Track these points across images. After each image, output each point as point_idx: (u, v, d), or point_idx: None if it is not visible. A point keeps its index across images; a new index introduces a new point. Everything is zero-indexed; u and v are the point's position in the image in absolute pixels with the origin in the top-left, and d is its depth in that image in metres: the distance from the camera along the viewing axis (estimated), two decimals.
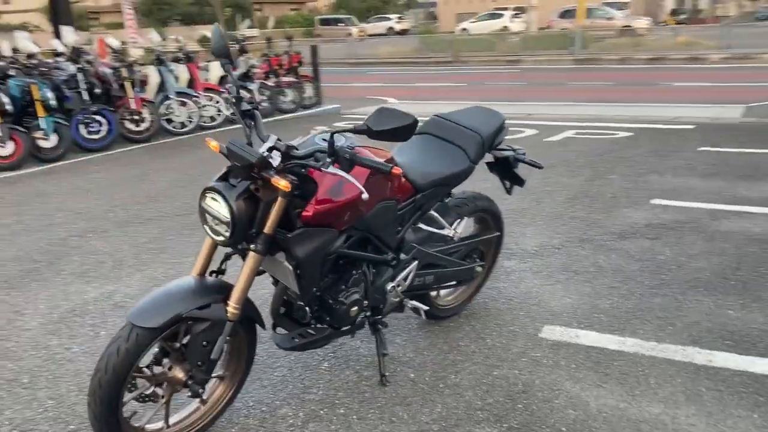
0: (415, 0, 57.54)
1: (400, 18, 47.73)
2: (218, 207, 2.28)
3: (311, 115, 11.57)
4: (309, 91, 12.23)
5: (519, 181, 3.40)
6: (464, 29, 35.71)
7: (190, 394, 2.42)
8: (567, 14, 29.35)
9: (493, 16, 37.00)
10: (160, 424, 2.50)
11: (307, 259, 2.42)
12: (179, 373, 2.41)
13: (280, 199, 2.32)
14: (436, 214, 3.07)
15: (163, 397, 2.44)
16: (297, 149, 2.36)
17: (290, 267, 2.44)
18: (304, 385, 2.96)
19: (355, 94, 14.01)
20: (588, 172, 6.60)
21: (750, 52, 18.79)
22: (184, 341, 2.38)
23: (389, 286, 2.86)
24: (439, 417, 2.68)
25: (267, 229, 2.33)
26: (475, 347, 3.22)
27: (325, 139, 2.42)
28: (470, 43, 24.85)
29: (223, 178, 2.35)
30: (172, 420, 2.52)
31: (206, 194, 2.32)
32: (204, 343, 2.35)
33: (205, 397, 2.56)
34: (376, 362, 3.04)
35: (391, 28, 45.64)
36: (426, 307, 3.19)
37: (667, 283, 3.86)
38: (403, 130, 2.13)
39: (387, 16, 48.48)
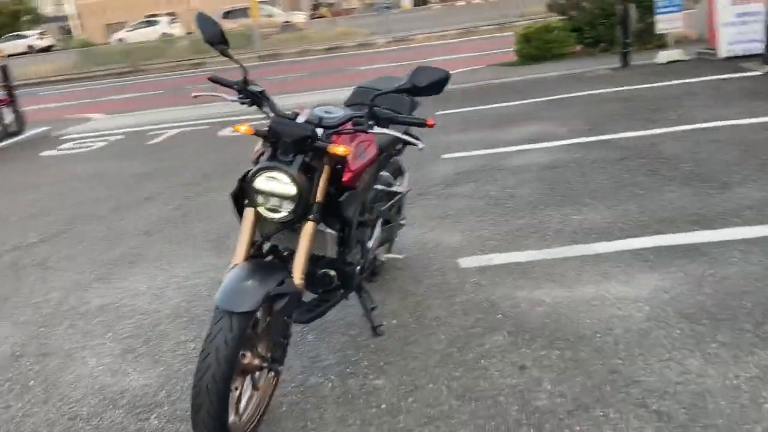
0: (42, 15, 53.08)
1: (41, 34, 43.47)
2: (280, 184, 2.34)
3: (19, 142, 10.39)
4: (8, 116, 10.92)
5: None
6: (121, 39, 34.18)
7: (273, 374, 2.45)
8: (230, 15, 29.90)
9: (150, 23, 36.04)
10: (232, 417, 2.47)
11: (354, 220, 2.61)
12: (255, 359, 2.42)
13: (326, 167, 2.47)
14: (386, 173, 3.38)
15: (236, 388, 2.42)
16: (328, 119, 2.52)
17: (332, 232, 2.60)
18: (310, 356, 3.07)
19: (52, 116, 12.81)
20: None
21: (406, 35, 21.50)
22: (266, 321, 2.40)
23: (369, 244, 3.13)
24: (448, 342, 3.05)
25: (320, 198, 2.47)
26: (423, 288, 3.62)
27: (327, 111, 2.61)
28: (146, 51, 23.99)
29: (271, 156, 2.41)
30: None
31: (261, 174, 2.36)
32: (285, 317, 2.40)
33: (259, 384, 2.58)
34: (352, 323, 3.28)
35: (31, 46, 41.33)
36: (402, 256, 3.49)
37: (515, 208, 4.68)
38: (441, 83, 2.44)
39: (23, 33, 43.73)
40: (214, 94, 2.75)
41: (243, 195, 2.60)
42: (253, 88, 2.59)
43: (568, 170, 5.40)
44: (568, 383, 2.64)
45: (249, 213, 2.51)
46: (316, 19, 36.05)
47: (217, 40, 2.56)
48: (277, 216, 2.42)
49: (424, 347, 3.03)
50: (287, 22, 29.97)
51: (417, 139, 2.60)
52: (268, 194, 2.39)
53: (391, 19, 23.25)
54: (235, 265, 2.43)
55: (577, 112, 7.52)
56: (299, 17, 31.53)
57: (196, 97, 2.81)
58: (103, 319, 3.72)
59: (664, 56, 10.55)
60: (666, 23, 10.72)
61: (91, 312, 3.83)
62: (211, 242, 4.74)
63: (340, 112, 2.64)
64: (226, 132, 9.09)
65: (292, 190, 2.35)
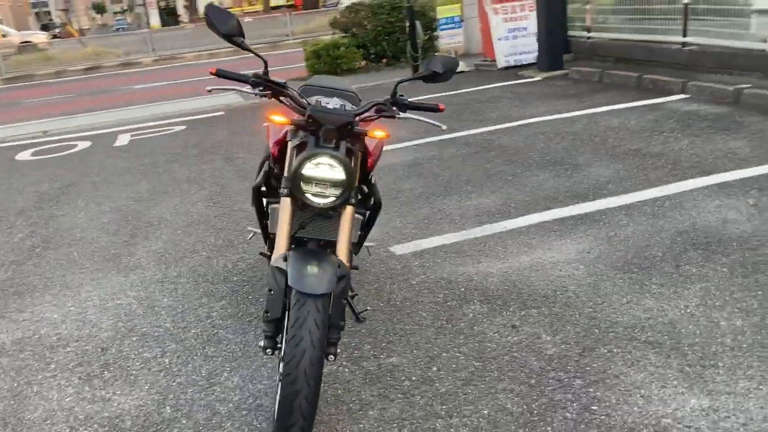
0: None
1: None
2: (331, 170, 2.37)
3: None
4: None
5: None
6: None
7: (332, 357, 2.46)
8: None
9: None
10: None
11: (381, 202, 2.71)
12: None
13: (359, 152, 2.56)
14: None
15: None
16: (352, 107, 2.60)
17: (359, 216, 2.67)
18: None
19: None
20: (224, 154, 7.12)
21: (174, 53, 20.85)
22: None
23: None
24: (432, 317, 3.25)
25: (357, 182, 2.54)
26: (374, 276, 3.77)
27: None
28: None
29: (316, 143, 2.43)
30: None
31: (310, 161, 2.37)
32: (344, 299, 2.43)
33: None
34: None
35: None
36: (373, 244, 3.58)
37: (409, 201, 4.99)
38: (453, 70, 2.66)
39: None
40: (229, 87, 2.67)
41: (268, 188, 2.57)
42: (275, 79, 2.57)
43: (434, 165, 5.84)
44: (562, 333, 2.99)
45: (286, 203, 2.48)
46: (58, 39, 33.19)
47: (236, 32, 2.51)
48: (324, 201, 2.44)
49: (414, 324, 3.19)
50: (26, 41, 27.22)
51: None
52: (317, 180, 2.40)
53: (154, 37, 22.35)
54: (287, 253, 2.40)
55: None
56: (40, 37, 28.81)
57: (210, 91, 2.71)
58: (30, 353, 3.29)
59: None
60: (448, 39, 11.87)
61: (8, 348, 3.36)
62: (103, 263, 4.36)
63: (339, 102, 2.72)
64: (26, 155, 8.20)
65: (341, 175, 2.39)
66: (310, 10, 28.59)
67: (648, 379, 2.60)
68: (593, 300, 3.24)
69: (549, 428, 2.39)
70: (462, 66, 11.55)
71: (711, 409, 2.40)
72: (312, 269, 2.28)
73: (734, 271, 3.37)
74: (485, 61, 11.88)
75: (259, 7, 43.78)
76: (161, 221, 5.11)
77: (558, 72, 9.94)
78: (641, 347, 2.81)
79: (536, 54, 10.60)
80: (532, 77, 9.83)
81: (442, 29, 11.73)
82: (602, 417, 2.41)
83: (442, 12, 11.73)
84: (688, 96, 7.51)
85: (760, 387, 2.48)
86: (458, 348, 2.95)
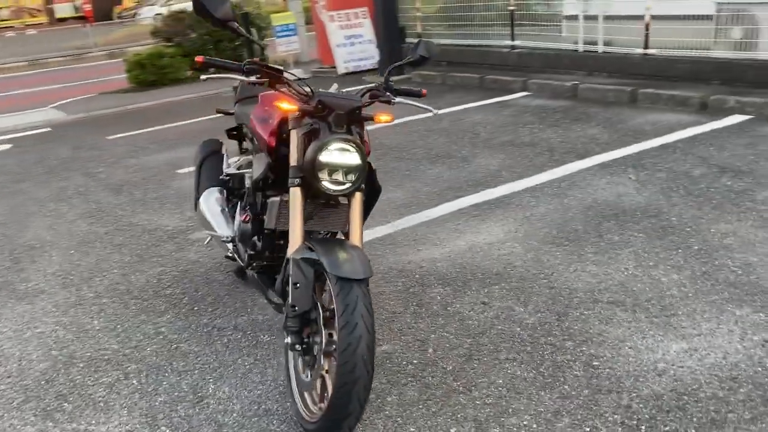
0: None
1: None
2: (349, 155, 2.33)
3: None
4: None
5: None
6: None
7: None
8: None
9: None
10: None
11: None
12: None
13: (365, 138, 2.54)
14: None
15: None
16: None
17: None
18: None
19: None
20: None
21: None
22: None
23: None
24: (403, 305, 3.28)
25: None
26: None
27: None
28: None
29: (329, 129, 2.38)
30: None
31: (328, 147, 2.31)
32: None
33: None
34: None
35: None
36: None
37: None
38: (434, 57, 2.73)
39: None
40: (222, 75, 2.51)
41: (280, 175, 2.49)
42: (273, 65, 2.47)
43: None
44: (531, 304, 3.18)
45: (297, 194, 2.40)
46: None
47: (231, 17, 2.39)
48: (340, 188, 2.39)
49: (388, 313, 3.21)
50: None
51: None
52: (334, 167, 2.35)
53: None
54: (308, 243, 2.32)
55: None
56: None
57: (205, 80, 2.52)
58: None
59: (287, 76, 11.62)
60: (285, 46, 11.83)
61: None
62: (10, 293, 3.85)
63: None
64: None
65: (358, 160, 2.36)
66: (105, 22, 26.81)
67: (628, 333, 2.85)
68: (543, 272, 3.47)
69: (566, 386, 2.54)
70: (299, 73, 11.60)
71: (691, 350, 2.69)
72: (345, 256, 2.23)
73: (650, 235, 3.79)
74: (322, 68, 12.02)
75: (42, 19, 40.31)
76: (43, 243, 4.59)
77: (400, 77, 10.32)
78: (607, 307, 3.07)
79: (375, 60, 10.94)
80: (375, 83, 10.09)
81: (278, 36, 11.65)
82: (607, 370, 2.61)
83: (278, 19, 11.67)
84: (530, 93, 8.19)
85: (720, 326, 2.83)
86: (443, 329, 3.01)
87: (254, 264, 2.83)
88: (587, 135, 6.00)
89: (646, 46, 8.19)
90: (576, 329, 2.92)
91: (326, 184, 2.36)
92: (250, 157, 3.31)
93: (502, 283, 3.39)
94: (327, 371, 2.26)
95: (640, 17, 8.18)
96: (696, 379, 2.50)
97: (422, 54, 2.68)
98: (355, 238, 2.44)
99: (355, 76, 10.70)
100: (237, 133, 3.64)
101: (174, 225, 4.70)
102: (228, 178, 3.42)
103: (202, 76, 2.57)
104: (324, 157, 2.32)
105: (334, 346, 2.20)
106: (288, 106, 2.36)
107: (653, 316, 2.96)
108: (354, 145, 2.34)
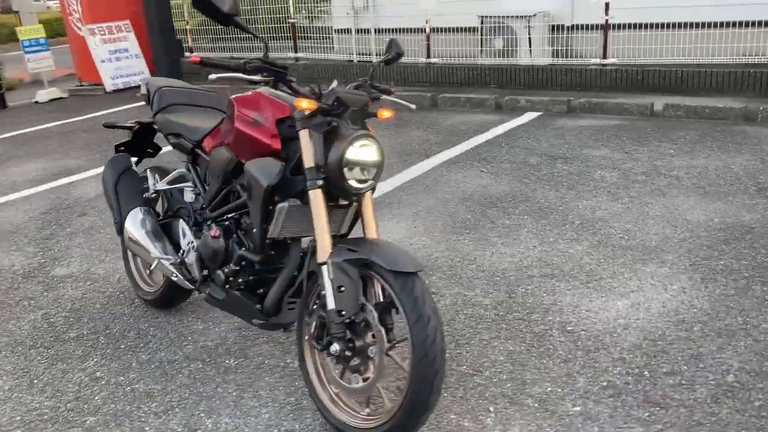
0: None
1: None
2: (372, 151, 2.29)
3: None
4: None
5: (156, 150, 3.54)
6: None
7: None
8: None
9: None
10: None
11: None
12: None
13: None
14: None
15: None
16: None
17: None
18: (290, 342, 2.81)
19: None
20: None
21: None
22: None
23: None
24: None
25: None
26: None
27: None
28: None
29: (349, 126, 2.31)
30: None
31: (354, 144, 2.25)
32: None
33: None
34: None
35: None
36: None
37: None
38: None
39: None
40: (234, 75, 2.27)
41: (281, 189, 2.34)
42: (278, 63, 2.32)
43: None
44: (477, 287, 3.35)
45: (319, 195, 2.27)
46: None
47: (235, 11, 2.21)
48: (362, 186, 2.32)
49: None
50: None
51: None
52: (361, 164, 2.28)
53: None
54: (344, 246, 2.24)
55: (58, 145, 7.13)
56: None
57: (214, 80, 2.25)
58: None
59: (43, 95, 10.48)
60: (35, 62, 10.62)
61: None
62: None
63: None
64: None
65: (379, 156, 2.33)
66: None
67: (576, 299, 3.17)
68: (467, 258, 3.68)
69: (560, 351, 2.76)
70: (57, 92, 10.51)
71: (635, 305, 3.09)
72: (394, 250, 2.21)
73: (533, 216, 4.21)
74: (81, 85, 11.02)
75: None
76: None
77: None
78: (544, 280, 3.37)
79: (145, 75, 10.34)
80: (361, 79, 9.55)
81: (27, 52, 10.41)
82: (582, 332, 2.89)
83: (25, 33, 10.41)
84: None
85: (642, 282, 3.29)
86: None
87: (238, 282, 2.60)
88: (418, 137, 6.38)
89: (428, 56, 8.90)
90: (531, 303, 3.16)
91: (352, 182, 2.28)
92: (182, 170, 3.02)
93: (437, 273, 3.52)
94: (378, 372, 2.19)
95: (419, 30, 8.89)
96: (656, 327, 2.89)
97: (399, 51, 2.70)
98: (375, 235, 2.39)
99: (127, 93, 9.97)
100: (133, 147, 3.30)
101: (21, 263, 4.04)
102: (155, 195, 3.08)
103: (212, 76, 2.32)
104: (351, 154, 2.24)
105: (388, 345, 2.15)
106: (305, 103, 2.23)
107: (585, 282, 3.32)
108: (375, 141, 2.30)
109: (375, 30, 10.04)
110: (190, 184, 2.95)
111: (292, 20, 10.13)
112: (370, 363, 2.22)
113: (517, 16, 8.62)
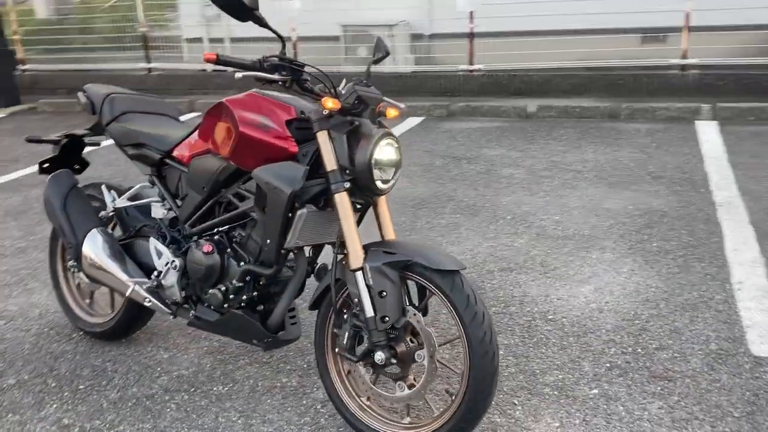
0: None
1: None
2: (396, 150, 2.22)
3: None
4: None
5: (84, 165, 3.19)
6: None
7: None
8: None
9: None
10: None
11: None
12: None
13: None
14: None
15: None
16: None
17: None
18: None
19: None
20: None
21: None
22: None
23: None
24: None
25: None
26: None
27: None
28: None
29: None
30: None
31: (381, 142, 2.16)
32: None
33: None
34: None
35: None
36: None
37: None
38: None
39: None
40: (262, 75, 2.07)
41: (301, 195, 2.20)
42: (298, 60, 2.17)
43: None
44: None
45: (346, 198, 2.15)
46: None
47: (257, 5, 2.05)
48: (385, 186, 2.24)
49: None
50: None
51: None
52: (386, 164, 2.20)
53: None
54: (384, 249, 2.15)
55: None
56: None
57: (240, 77, 2.02)
58: None
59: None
60: None
61: None
62: None
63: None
64: None
65: (400, 155, 2.27)
66: None
67: (543, 290, 3.27)
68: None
69: (553, 340, 2.84)
70: None
71: (598, 290, 3.25)
72: (433, 250, 2.17)
73: (465, 214, 4.30)
74: None
75: None
76: None
77: (23, 107, 8.99)
78: (504, 274, 3.45)
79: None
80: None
81: None
82: (563, 320, 2.99)
83: None
84: (199, 113, 8.03)
85: (595, 268, 3.47)
86: None
87: (240, 299, 2.39)
88: None
89: None
90: (504, 296, 3.22)
91: (380, 183, 2.20)
92: (143, 184, 2.74)
93: None
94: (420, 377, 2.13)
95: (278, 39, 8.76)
96: (626, 308, 3.06)
97: (386, 50, 2.62)
98: (393, 235, 2.32)
99: None
100: (59, 163, 2.94)
101: None
102: (112, 214, 2.75)
103: (238, 75, 2.11)
104: (379, 154, 2.16)
105: (433, 346, 2.10)
106: (330, 103, 2.11)
107: (544, 273, 3.45)
108: (396, 140, 2.23)
109: (230, 39, 9.80)
110: (156, 198, 2.66)
111: (143, 29, 9.53)
112: (410, 369, 2.15)
113: (379, 25, 8.78)
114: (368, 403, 2.28)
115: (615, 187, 4.64)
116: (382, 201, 2.29)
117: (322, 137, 2.16)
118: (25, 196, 5.14)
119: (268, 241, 2.25)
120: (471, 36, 7.99)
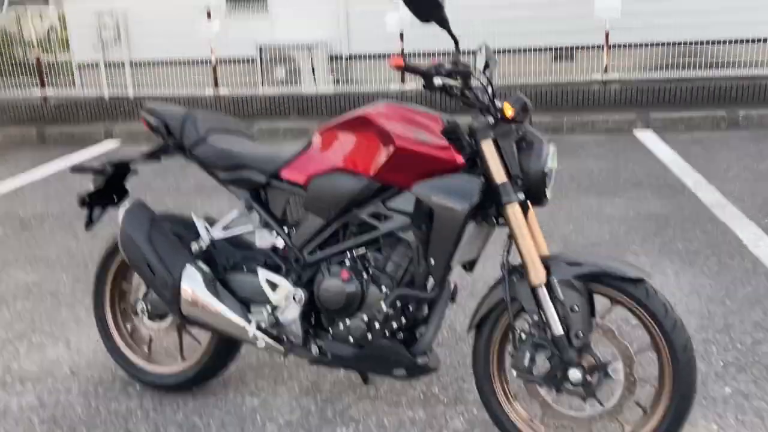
0: None
1: None
2: (556, 158, 2.14)
3: None
4: None
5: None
6: None
7: None
8: None
9: None
10: None
11: None
12: None
13: None
14: None
15: None
16: None
17: None
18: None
19: None
20: None
21: None
22: None
23: None
24: None
25: None
26: None
27: None
28: None
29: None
30: None
31: (551, 150, 2.07)
32: None
33: None
34: None
35: None
36: None
37: None
38: None
39: None
40: (447, 82, 1.89)
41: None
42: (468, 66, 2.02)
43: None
44: None
45: (518, 212, 2.02)
46: None
47: (443, 3, 1.90)
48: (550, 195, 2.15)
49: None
50: None
51: None
52: (553, 172, 2.10)
53: None
54: (560, 262, 2.05)
55: None
56: None
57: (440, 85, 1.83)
58: None
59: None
60: None
61: None
62: None
63: None
64: None
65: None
66: None
67: None
68: None
69: None
70: None
71: (673, 290, 3.31)
72: (610, 259, 2.09)
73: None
74: None
75: None
76: None
77: None
78: None
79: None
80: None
81: None
82: None
83: None
84: (118, 139, 7.47)
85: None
86: None
87: (390, 327, 2.18)
88: None
89: (215, 86, 8.43)
90: None
91: (548, 192, 2.10)
92: (239, 210, 2.44)
93: None
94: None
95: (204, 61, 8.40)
96: (696, 307, 3.12)
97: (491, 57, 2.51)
98: (546, 248, 2.21)
99: None
100: (101, 195, 2.58)
101: None
102: (207, 247, 2.42)
103: (437, 80, 1.92)
104: (552, 162, 2.07)
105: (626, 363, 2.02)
106: (512, 111, 1.99)
107: None
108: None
109: (131, 63, 9.21)
110: (258, 226, 2.37)
111: (36, 54, 8.69)
112: (602, 386, 2.05)
113: (297, 46, 8.63)
114: (540, 425, 2.14)
115: (604, 196, 4.77)
116: (532, 214, 2.18)
117: (488, 147, 2.03)
118: None
119: (432, 261, 2.07)
120: (402, 56, 8.00)
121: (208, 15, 8.02)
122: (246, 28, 8.63)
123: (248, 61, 8.83)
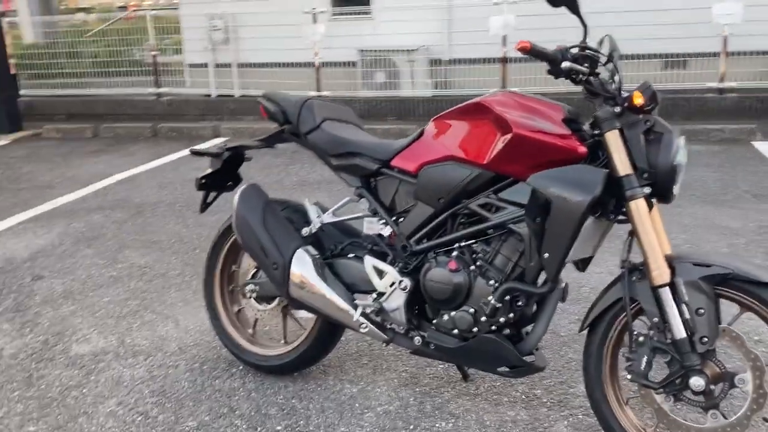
0: None
1: None
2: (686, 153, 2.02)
3: None
4: None
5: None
6: None
7: None
8: None
9: None
10: None
11: None
12: None
13: None
14: None
15: None
16: None
17: None
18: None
19: None
20: None
21: None
22: None
23: None
24: None
25: None
26: None
27: None
28: None
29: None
30: None
31: (681, 142, 1.96)
32: None
33: None
34: None
35: None
36: None
37: None
38: None
39: None
40: (574, 66, 1.84)
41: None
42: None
43: (102, 241, 4.49)
44: None
45: (643, 207, 1.92)
46: None
47: None
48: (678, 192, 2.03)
49: None
50: None
51: None
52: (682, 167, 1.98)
53: None
54: (685, 262, 1.93)
55: None
56: None
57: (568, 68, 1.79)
58: None
59: None
60: None
61: None
62: None
63: None
64: None
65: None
66: None
67: None
68: None
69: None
70: None
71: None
72: (740, 259, 1.95)
73: None
74: None
75: None
76: None
77: (26, 133, 8.48)
78: None
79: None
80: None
81: None
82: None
83: None
84: (227, 138, 7.71)
85: None
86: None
87: (498, 322, 2.12)
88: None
89: (318, 89, 8.58)
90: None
91: (676, 188, 1.98)
92: (351, 197, 2.45)
93: None
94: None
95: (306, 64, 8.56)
96: None
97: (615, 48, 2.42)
98: (669, 247, 2.08)
99: None
100: (216, 179, 2.63)
101: (97, 347, 3.01)
102: (316, 231, 2.45)
103: (565, 64, 1.88)
104: (682, 156, 1.95)
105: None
106: (642, 100, 1.89)
107: None
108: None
109: (237, 64, 9.50)
110: (367, 212, 2.38)
111: (154, 53, 9.16)
112: (726, 396, 1.91)
113: (398, 50, 8.66)
114: None
115: (721, 206, 4.51)
116: (656, 210, 2.06)
117: (613, 137, 1.93)
118: (87, 221, 4.72)
119: (547, 255, 1.99)
120: (504, 60, 7.91)
121: (314, 19, 8.18)
122: (349, 33, 8.74)
123: (350, 64, 8.95)
